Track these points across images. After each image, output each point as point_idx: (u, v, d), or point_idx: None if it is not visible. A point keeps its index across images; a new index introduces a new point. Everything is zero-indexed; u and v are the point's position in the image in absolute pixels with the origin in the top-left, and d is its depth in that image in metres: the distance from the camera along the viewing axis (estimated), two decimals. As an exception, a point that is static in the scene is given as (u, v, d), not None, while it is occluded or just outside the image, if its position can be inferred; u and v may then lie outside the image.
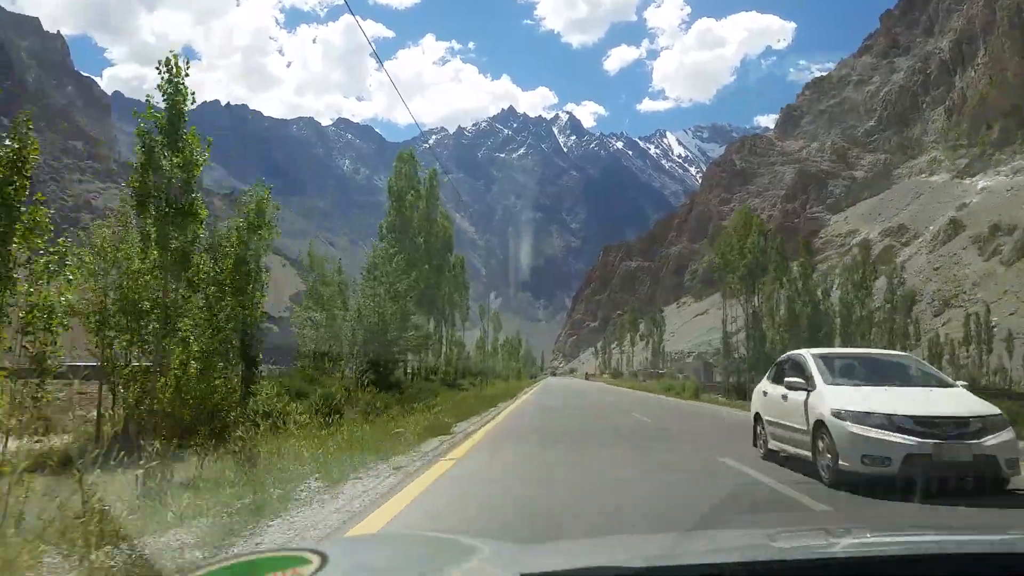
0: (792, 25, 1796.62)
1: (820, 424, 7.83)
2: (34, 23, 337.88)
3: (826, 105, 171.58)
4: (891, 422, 7.16)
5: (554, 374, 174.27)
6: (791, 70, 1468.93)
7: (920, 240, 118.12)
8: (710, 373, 77.64)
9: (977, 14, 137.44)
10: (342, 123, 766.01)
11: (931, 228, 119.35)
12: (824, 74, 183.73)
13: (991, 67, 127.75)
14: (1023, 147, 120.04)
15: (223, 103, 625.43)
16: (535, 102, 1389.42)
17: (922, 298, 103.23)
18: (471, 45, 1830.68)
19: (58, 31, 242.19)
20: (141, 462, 5.86)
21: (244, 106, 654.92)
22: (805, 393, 8.51)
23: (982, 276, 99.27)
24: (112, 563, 3.91)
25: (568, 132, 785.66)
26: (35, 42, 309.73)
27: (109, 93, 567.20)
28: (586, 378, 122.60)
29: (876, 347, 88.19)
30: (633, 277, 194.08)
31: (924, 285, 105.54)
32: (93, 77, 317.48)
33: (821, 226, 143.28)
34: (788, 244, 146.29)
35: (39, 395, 5.58)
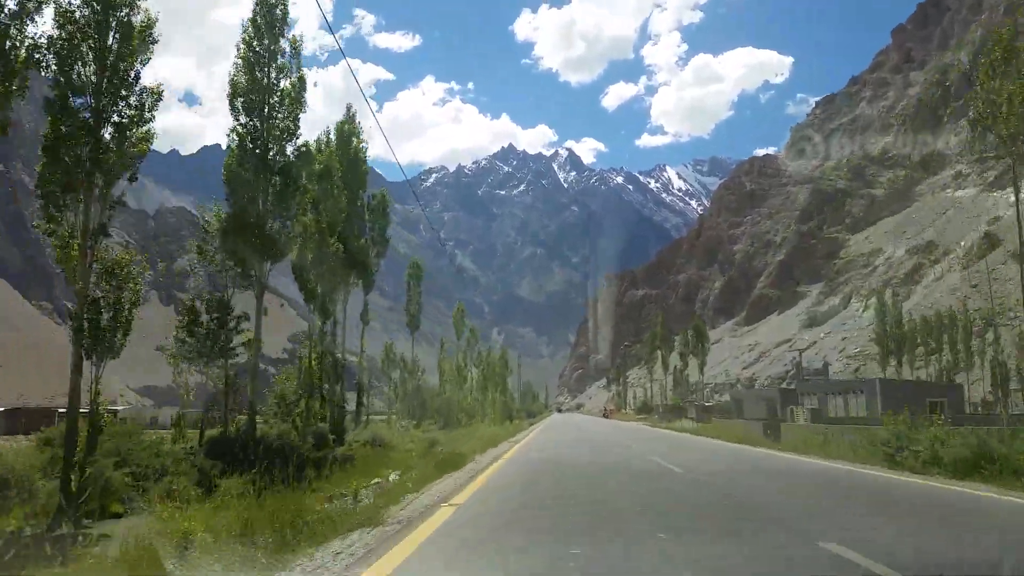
0: (789, 60, 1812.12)
1: None
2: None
3: (838, 123, 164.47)
4: None
5: (559, 411, 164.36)
6: (789, 103, 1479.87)
7: (951, 257, 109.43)
8: (776, 403, 64.55)
9: (998, 21, 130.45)
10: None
11: (963, 244, 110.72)
12: (834, 92, 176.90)
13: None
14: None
15: (223, 147, 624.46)
16: (534, 140, 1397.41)
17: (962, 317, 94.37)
18: (470, 85, 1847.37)
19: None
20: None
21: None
22: None
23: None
24: None
25: (568, 168, 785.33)
26: (35, 86, 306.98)
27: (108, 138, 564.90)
28: (605, 415, 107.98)
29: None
30: (640, 307, 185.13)
31: (961, 304, 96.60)
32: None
33: (840, 246, 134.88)
34: (805, 266, 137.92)
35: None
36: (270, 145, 19.53)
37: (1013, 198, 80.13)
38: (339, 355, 28.41)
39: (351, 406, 32.44)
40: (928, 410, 45.48)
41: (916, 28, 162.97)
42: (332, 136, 28.92)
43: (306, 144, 20.66)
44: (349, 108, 30.64)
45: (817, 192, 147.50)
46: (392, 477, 12.23)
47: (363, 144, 29.64)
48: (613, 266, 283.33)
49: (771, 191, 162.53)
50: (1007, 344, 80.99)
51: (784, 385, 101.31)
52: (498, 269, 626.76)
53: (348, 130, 29.35)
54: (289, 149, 19.86)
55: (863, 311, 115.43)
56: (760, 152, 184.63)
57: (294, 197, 20.26)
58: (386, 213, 33.00)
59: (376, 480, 11.75)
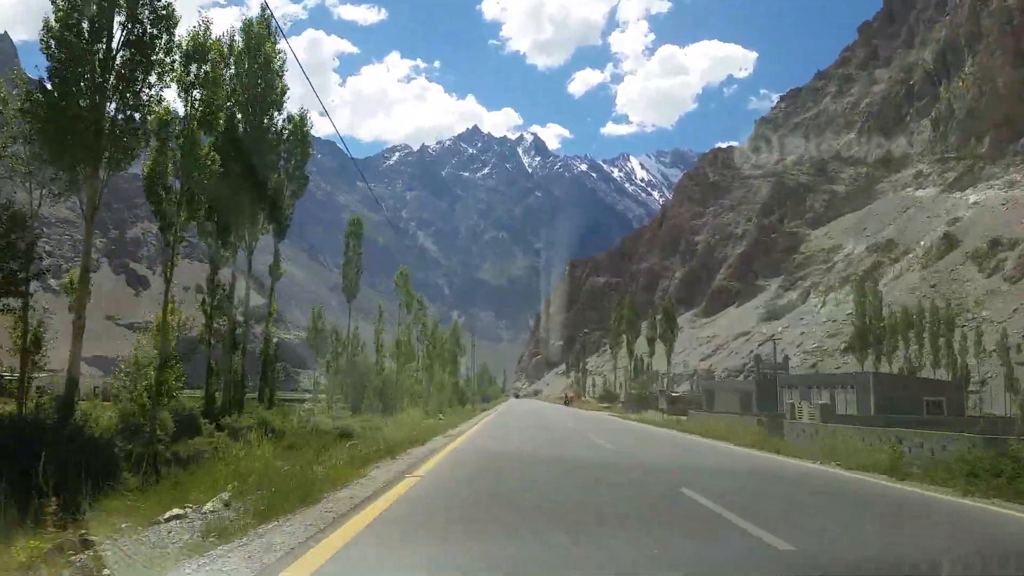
0: (754, 55, 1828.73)
1: None
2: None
3: (802, 118, 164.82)
4: None
5: (517, 396, 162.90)
6: (752, 98, 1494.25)
7: (911, 256, 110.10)
8: (751, 396, 59.62)
9: (962, 23, 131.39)
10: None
11: (922, 243, 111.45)
12: (799, 86, 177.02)
13: (980, 77, 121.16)
14: (1016, 159, 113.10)
15: (181, 115, 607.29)
16: (500, 122, 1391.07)
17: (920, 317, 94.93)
18: (436, 64, 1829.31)
19: (4, 32, 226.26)
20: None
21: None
22: None
23: (985, 293, 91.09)
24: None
25: (533, 153, 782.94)
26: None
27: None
28: (566, 402, 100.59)
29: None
30: (601, 294, 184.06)
31: (920, 303, 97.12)
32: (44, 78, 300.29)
33: (800, 241, 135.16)
34: (765, 259, 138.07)
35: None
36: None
37: (973, 199, 79.79)
38: (239, 316, 23.25)
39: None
40: (926, 410, 43.29)
41: (883, 25, 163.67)
42: (238, 39, 22.59)
43: (169, 5, 14.43)
44: (264, 7, 23.24)
45: (779, 186, 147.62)
46: (211, 505, 7.29)
47: (280, 56, 23.49)
48: (575, 253, 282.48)
49: (734, 183, 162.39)
50: (971, 344, 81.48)
51: (742, 377, 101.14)
52: (460, 251, 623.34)
53: (259, 33, 22.99)
54: (146, 13, 14.06)
55: (821, 307, 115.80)
56: (721, 146, 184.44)
57: (145, 78, 14.29)
58: (306, 142, 25.42)
59: (174, 512, 7.04)
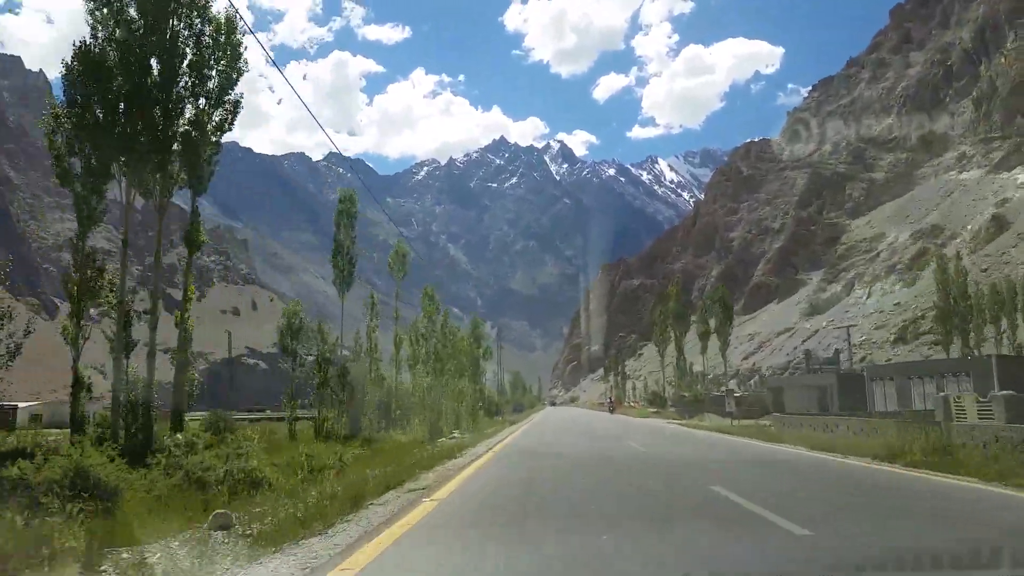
0: (780, 50, 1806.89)
1: None
2: (16, 61, 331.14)
3: (836, 106, 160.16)
4: None
5: (553, 404, 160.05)
6: (780, 94, 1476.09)
7: (959, 240, 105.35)
8: (831, 391, 51.61)
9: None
10: (333, 157, 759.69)
11: (969, 227, 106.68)
12: (831, 74, 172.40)
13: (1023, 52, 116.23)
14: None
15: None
16: (526, 132, 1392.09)
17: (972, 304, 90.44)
18: (461, 77, 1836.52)
19: (40, 69, 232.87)
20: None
21: (235, 143, 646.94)
22: None
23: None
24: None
25: (560, 160, 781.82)
26: (17, 80, 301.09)
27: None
28: (610, 409, 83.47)
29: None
30: (635, 297, 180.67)
31: (972, 289, 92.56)
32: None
33: (841, 232, 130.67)
34: (804, 252, 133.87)
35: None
36: None
37: (1022, 179, 74.66)
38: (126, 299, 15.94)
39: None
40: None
41: (915, 7, 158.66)
42: None
43: None
44: None
45: (816, 176, 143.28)
46: None
47: None
48: (606, 258, 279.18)
49: (768, 176, 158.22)
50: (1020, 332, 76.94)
51: (787, 374, 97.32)
52: (491, 262, 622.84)
53: None
54: None
55: (867, 298, 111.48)
56: (756, 139, 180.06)
57: None
58: (236, 55, 16.95)
59: None
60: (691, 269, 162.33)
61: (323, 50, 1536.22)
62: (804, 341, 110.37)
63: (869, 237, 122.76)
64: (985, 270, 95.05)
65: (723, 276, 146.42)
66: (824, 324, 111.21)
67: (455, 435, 28.96)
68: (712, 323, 79.81)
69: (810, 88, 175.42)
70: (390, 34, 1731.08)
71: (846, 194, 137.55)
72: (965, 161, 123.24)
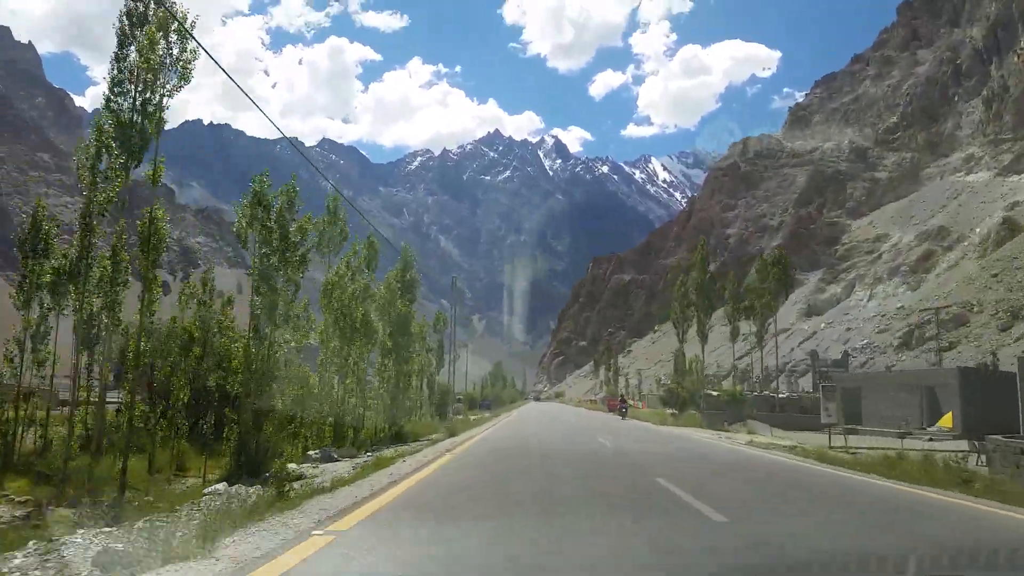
0: (777, 54, 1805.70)
1: None
2: (4, 32, 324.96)
3: (840, 103, 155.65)
4: None
5: (537, 399, 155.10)
6: (775, 97, 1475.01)
7: (966, 244, 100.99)
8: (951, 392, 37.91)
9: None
10: (327, 144, 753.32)
11: (978, 231, 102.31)
12: (835, 71, 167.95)
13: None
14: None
15: (205, 123, 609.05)
16: (521, 126, 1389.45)
17: (981, 309, 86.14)
18: (457, 68, 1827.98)
19: (29, 41, 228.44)
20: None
21: (227, 126, 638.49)
22: None
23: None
24: None
25: (554, 156, 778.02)
26: (4, 52, 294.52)
27: (90, 111, 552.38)
28: (621, 412, 56.97)
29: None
30: (626, 292, 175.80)
31: (980, 294, 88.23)
32: (66, 90, 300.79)
33: (841, 231, 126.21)
34: (803, 252, 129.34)
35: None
36: None
37: None
38: None
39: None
40: None
41: (924, 4, 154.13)
42: None
43: None
44: None
45: (817, 174, 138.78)
46: None
47: None
48: (597, 255, 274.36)
49: (767, 173, 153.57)
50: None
51: (783, 378, 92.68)
52: (481, 256, 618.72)
53: None
54: None
55: (868, 300, 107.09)
56: (755, 135, 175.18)
57: None
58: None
59: None
60: (685, 265, 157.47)
61: (320, 35, 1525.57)
62: (801, 343, 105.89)
63: (871, 238, 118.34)
64: (995, 275, 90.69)
65: (717, 273, 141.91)
66: (823, 326, 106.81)
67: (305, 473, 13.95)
68: (763, 298, 61.34)
69: (812, 86, 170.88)
70: (388, 21, 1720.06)
71: (847, 193, 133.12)
72: (973, 163, 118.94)
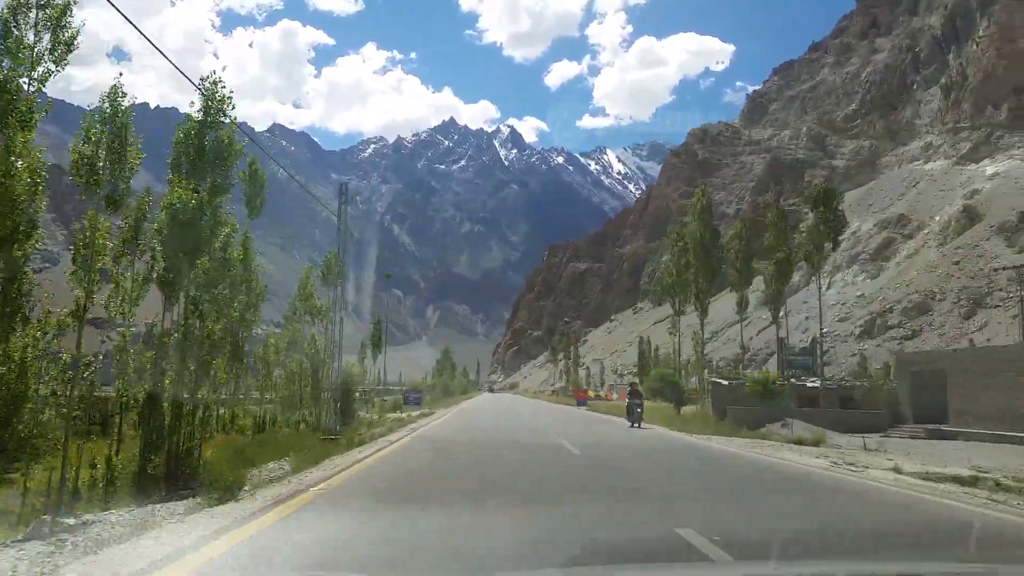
0: (731, 48, 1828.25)
1: None
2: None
3: (797, 90, 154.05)
4: None
5: (492, 390, 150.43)
6: (728, 91, 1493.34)
7: (926, 232, 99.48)
8: None
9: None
10: (277, 129, 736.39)
11: (937, 219, 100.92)
12: (793, 58, 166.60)
13: (997, 39, 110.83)
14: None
15: (152, 106, 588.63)
16: (477, 115, 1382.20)
17: (944, 297, 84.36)
18: (413, 55, 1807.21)
19: None
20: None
21: (174, 109, 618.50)
22: None
23: (1018, 270, 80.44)
24: None
25: (509, 146, 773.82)
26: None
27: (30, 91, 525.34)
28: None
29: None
30: (582, 280, 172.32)
31: (944, 282, 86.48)
32: None
33: (799, 219, 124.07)
34: (761, 239, 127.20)
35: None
36: None
37: (991, 170, 65.28)
38: None
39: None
40: None
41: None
42: None
43: None
44: None
45: (775, 162, 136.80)
46: None
47: None
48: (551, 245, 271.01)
49: (725, 160, 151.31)
50: (995, 329, 70.99)
51: (740, 367, 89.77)
52: (435, 245, 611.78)
53: None
54: None
55: (827, 288, 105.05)
56: (712, 122, 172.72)
57: None
58: None
59: None
60: (642, 253, 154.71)
61: (272, 18, 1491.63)
62: (760, 332, 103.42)
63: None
64: (957, 263, 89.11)
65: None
66: (781, 314, 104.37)
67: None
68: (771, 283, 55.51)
69: (769, 73, 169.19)
70: (342, 5, 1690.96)
71: (805, 181, 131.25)
72: (932, 151, 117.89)
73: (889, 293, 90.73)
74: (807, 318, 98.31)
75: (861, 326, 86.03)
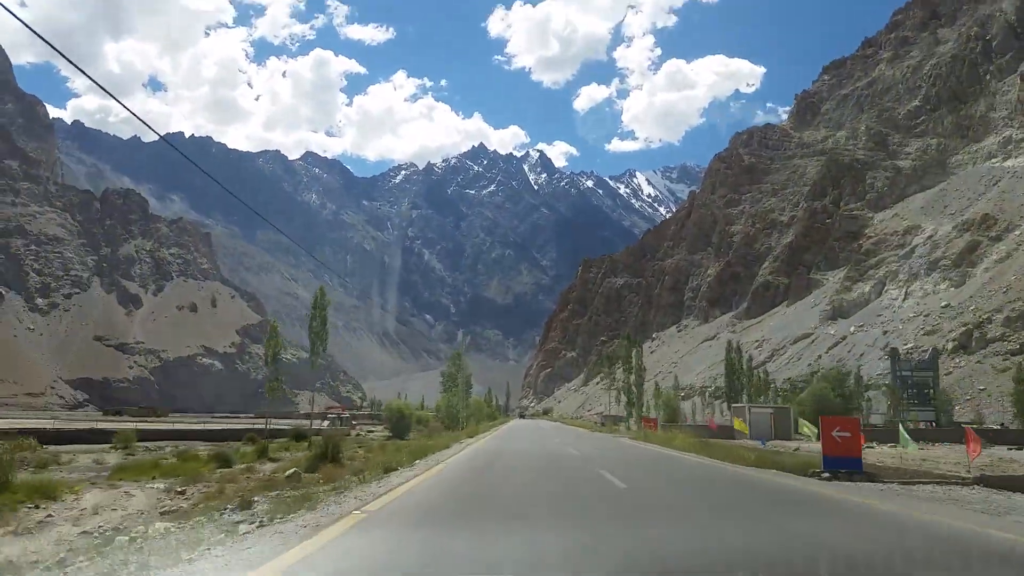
0: (761, 70, 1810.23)
1: None
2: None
3: (851, 88, 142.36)
4: None
5: (522, 416, 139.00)
6: (759, 112, 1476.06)
7: (1019, 233, 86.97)
8: None
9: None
10: (310, 157, 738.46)
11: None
12: (845, 56, 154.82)
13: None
14: None
15: (187, 135, 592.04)
16: (506, 140, 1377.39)
17: (1051, 304, 72.11)
18: (443, 82, 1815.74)
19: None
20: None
21: (208, 138, 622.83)
22: None
23: None
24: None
25: (539, 170, 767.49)
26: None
27: (69, 123, 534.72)
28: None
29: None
30: (619, 297, 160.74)
31: (1047, 287, 74.31)
32: (38, 97, 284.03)
33: (862, 225, 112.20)
34: (818, 248, 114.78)
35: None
36: None
37: None
38: None
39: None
40: None
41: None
42: None
43: None
44: None
45: (831, 164, 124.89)
46: None
47: None
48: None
49: (774, 164, 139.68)
50: None
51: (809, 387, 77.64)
52: (466, 270, 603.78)
53: None
54: None
55: (904, 299, 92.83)
56: (759, 124, 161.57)
57: None
58: None
59: None
60: (684, 266, 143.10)
61: (304, 47, 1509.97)
62: (829, 349, 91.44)
63: (900, 231, 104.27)
64: (1062, 264, 76.88)
65: (722, 275, 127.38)
66: (852, 329, 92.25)
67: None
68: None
69: (823, 68, 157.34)
70: (373, 34, 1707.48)
71: (867, 184, 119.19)
72: (1012, 146, 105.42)
73: (981, 302, 78.49)
74: (885, 332, 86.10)
75: (955, 340, 73.69)
